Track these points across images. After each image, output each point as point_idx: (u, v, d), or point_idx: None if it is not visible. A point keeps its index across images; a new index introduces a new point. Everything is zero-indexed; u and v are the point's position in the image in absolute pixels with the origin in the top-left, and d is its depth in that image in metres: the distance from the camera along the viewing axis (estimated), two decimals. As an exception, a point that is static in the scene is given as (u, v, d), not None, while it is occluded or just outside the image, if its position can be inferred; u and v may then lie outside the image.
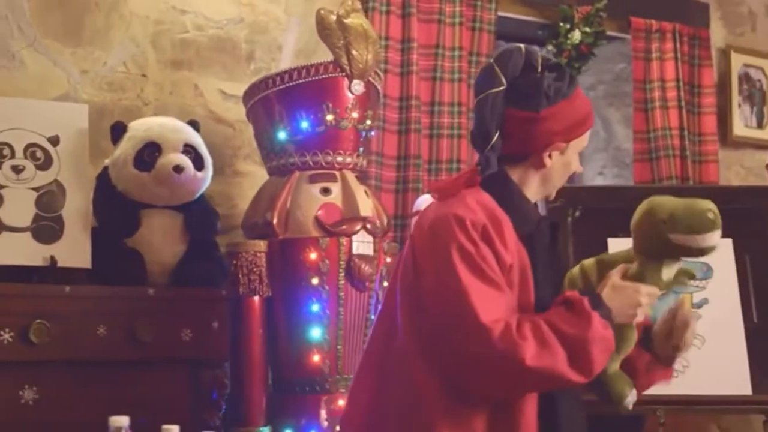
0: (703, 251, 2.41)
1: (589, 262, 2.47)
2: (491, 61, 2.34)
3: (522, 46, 2.36)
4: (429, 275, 2.23)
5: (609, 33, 4.81)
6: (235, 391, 3.29)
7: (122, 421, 2.22)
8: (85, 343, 2.93)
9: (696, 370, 3.21)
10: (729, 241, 3.34)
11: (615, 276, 2.45)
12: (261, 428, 3.27)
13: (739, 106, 5.13)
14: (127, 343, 2.95)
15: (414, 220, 2.45)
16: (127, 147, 3.11)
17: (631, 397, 2.55)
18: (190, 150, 3.15)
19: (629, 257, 2.45)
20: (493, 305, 2.17)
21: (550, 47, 4.57)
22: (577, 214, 3.42)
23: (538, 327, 2.17)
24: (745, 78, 5.16)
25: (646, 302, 2.37)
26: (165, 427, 2.69)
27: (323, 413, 3.32)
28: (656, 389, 3.01)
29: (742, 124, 5.13)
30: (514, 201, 2.33)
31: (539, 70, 2.33)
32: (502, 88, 2.29)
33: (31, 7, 3.50)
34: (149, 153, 3.09)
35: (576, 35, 4.47)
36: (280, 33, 3.98)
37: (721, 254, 3.30)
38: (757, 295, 3.32)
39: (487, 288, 2.18)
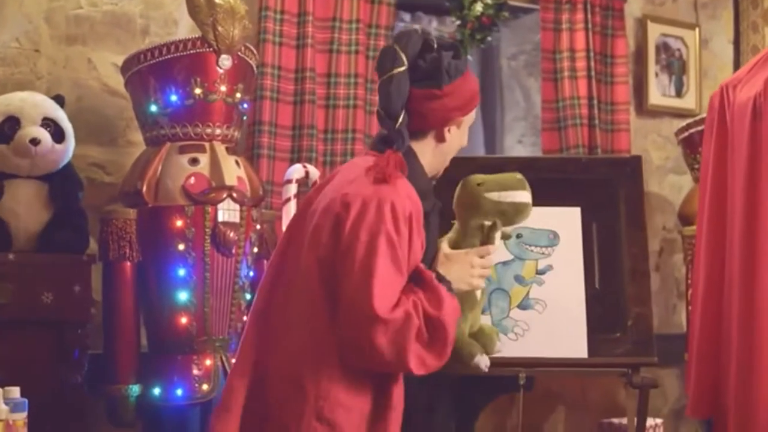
0: (516, 208, 2.73)
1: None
2: (392, 42, 2.53)
3: (418, 27, 2.56)
4: (354, 253, 2.35)
5: (521, 5, 4.94)
6: (107, 352, 3.49)
7: None
8: (-56, 304, 3.14)
9: (535, 334, 3.37)
10: (577, 210, 3.46)
11: (444, 246, 2.63)
12: (130, 386, 3.47)
13: (657, 75, 5.21)
14: (-19, 302, 3.16)
15: (328, 190, 2.52)
16: (-11, 121, 3.31)
17: (480, 358, 2.76)
18: (49, 123, 3.34)
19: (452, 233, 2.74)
20: (394, 295, 2.35)
21: (454, 19, 4.68)
22: (435, 182, 3.54)
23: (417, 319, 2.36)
24: (663, 47, 5.24)
25: (479, 263, 2.55)
26: (5, 389, 2.86)
27: (195, 372, 3.50)
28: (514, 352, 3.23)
29: (659, 93, 5.22)
30: (421, 180, 2.51)
31: (435, 49, 2.52)
32: (404, 68, 2.47)
33: None
34: (9, 126, 3.28)
35: (478, 7, 4.58)
36: (176, 8, 4.12)
37: (569, 223, 3.48)
38: (601, 262, 3.43)
39: (396, 277, 2.36)
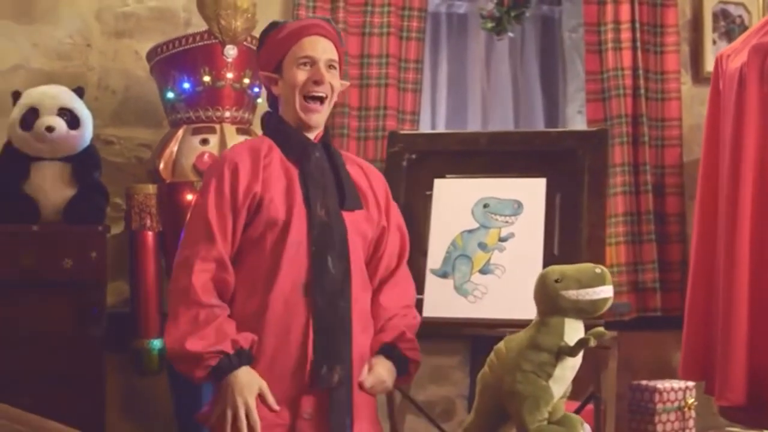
0: (595, 305, 2.65)
1: (499, 345, 2.73)
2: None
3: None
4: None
5: (571, -22, 5.07)
6: (131, 310, 3.99)
7: None
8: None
9: (492, 297, 3.62)
10: (543, 181, 3.66)
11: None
12: (152, 340, 3.96)
13: (714, 42, 5.23)
14: (9, 267, 3.68)
15: None
16: (16, 111, 3.83)
17: None
18: (65, 112, 3.82)
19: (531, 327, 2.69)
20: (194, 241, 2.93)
21: (491, -3, 4.88)
22: (414, 157, 3.82)
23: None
24: (722, 14, 5.24)
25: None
26: None
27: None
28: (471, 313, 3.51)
29: (716, 61, 5.23)
30: (282, 133, 3.07)
31: None
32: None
33: (-13, -9, 4.26)
34: (30, 116, 3.79)
35: (512, -15, 4.76)
36: (216, 1, 4.53)
37: (534, 193, 3.70)
38: (561, 231, 3.61)
39: (213, 223, 2.90)
